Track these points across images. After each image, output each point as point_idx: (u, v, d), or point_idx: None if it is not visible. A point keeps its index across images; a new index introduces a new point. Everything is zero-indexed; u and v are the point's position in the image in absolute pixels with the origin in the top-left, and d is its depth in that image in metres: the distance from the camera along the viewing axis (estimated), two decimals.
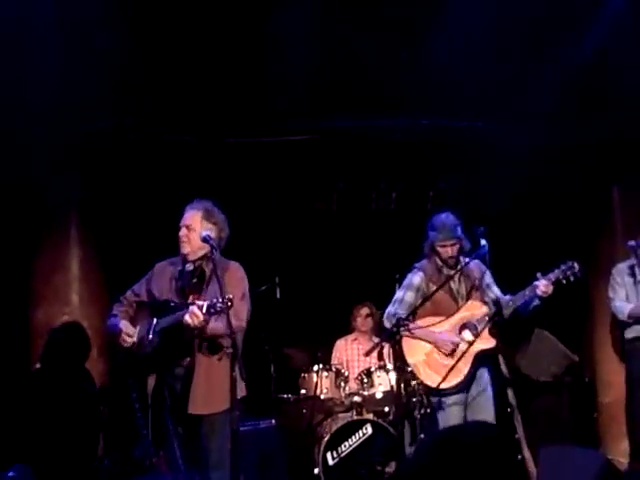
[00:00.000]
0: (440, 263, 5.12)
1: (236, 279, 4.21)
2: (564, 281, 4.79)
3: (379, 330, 6.50)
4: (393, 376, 5.92)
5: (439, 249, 5.08)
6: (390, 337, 4.75)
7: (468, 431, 1.91)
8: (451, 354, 4.94)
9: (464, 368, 4.92)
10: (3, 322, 6.12)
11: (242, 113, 6.46)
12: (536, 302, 4.89)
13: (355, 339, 6.83)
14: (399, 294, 5.21)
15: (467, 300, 5.07)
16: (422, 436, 5.92)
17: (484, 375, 5.09)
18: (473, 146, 6.84)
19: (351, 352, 6.76)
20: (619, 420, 6.62)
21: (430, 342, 5.01)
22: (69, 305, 6.15)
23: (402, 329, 4.83)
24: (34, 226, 6.30)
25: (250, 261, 4.45)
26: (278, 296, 6.37)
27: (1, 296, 6.12)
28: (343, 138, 6.75)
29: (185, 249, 4.25)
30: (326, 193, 7.24)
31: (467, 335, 4.97)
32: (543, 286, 4.77)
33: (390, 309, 5.18)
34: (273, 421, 5.93)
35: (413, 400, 6.01)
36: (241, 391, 4.05)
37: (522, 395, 6.15)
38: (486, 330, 4.93)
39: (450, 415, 4.95)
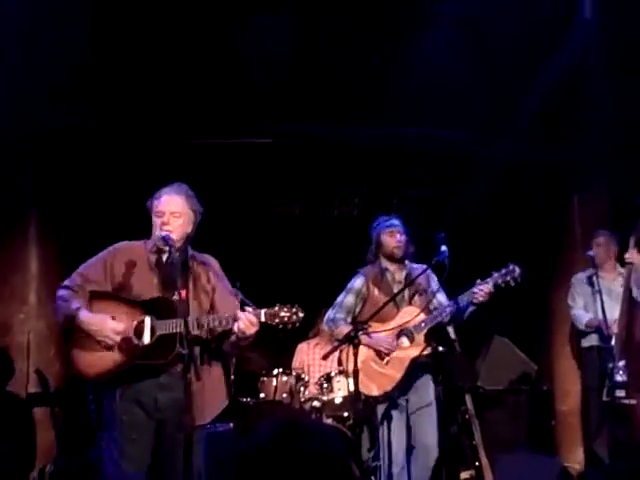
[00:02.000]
0: (384, 265, 5.08)
1: (221, 274, 4.02)
2: (503, 285, 4.69)
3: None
4: (352, 381, 5.92)
5: (384, 238, 5.07)
6: (349, 341, 4.69)
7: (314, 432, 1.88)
8: (386, 361, 4.92)
9: (397, 374, 4.90)
10: None
11: (206, 114, 6.44)
12: (472, 308, 4.81)
13: (317, 344, 6.82)
14: (339, 298, 5.20)
15: (411, 303, 5.02)
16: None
17: (428, 388, 5.04)
18: (439, 154, 6.89)
19: (312, 356, 6.75)
20: (575, 428, 6.70)
21: (369, 346, 4.95)
22: (27, 304, 6.06)
23: (360, 333, 4.77)
24: None
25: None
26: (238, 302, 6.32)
27: None
28: (308, 142, 6.76)
29: (167, 236, 3.81)
30: (289, 197, 7.24)
31: (404, 341, 4.93)
32: (480, 291, 4.67)
33: (329, 313, 5.18)
34: (231, 425, 5.88)
35: (372, 405, 6.02)
36: (222, 402, 3.93)
37: (480, 402, 6.19)
38: (421, 337, 4.90)
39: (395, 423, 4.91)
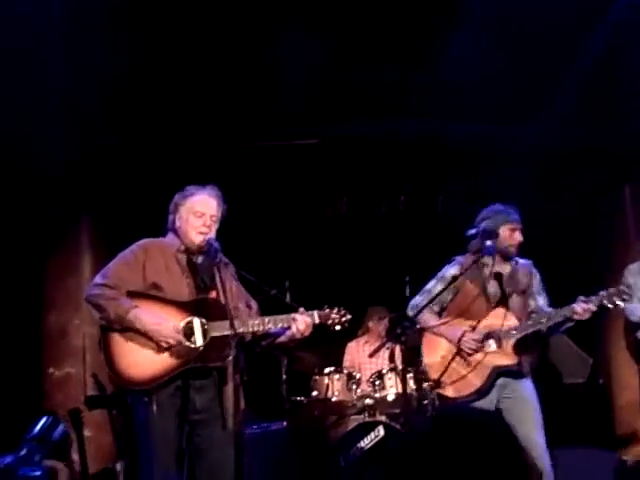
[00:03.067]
0: (485, 258, 4.58)
1: (236, 275, 3.98)
2: (611, 305, 4.35)
3: (389, 332, 6.51)
4: (404, 378, 5.90)
5: (504, 233, 4.56)
6: (396, 338, 4.58)
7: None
8: (468, 362, 4.56)
9: (477, 381, 4.54)
10: (16, 326, 6.17)
11: (251, 118, 6.51)
12: (570, 323, 4.48)
13: (367, 341, 6.83)
14: (429, 284, 4.79)
15: (505, 304, 4.60)
16: None
17: (524, 385, 4.60)
18: (483, 149, 6.84)
19: (363, 354, 6.76)
20: (634, 421, 6.58)
21: (449, 340, 4.63)
22: (81, 309, 6.18)
23: (407, 333, 4.57)
24: (46, 230, 6.36)
25: (260, 265, 4.42)
26: (288, 300, 6.38)
27: (14, 300, 6.17)
28: (351, 142, 6.77)
29: (203, 240, 3.78)
30: (335, 197, 7.26)
31: (491, 345, 4.55)
32: (582, 310, 4.33)
33: (417, 298, 4.80)
34: (285, 423, 5.93)
35: (424, 402, 6.00)
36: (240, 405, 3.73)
37: (537, 396, 6.12)
38: (510, 344, 4.50)
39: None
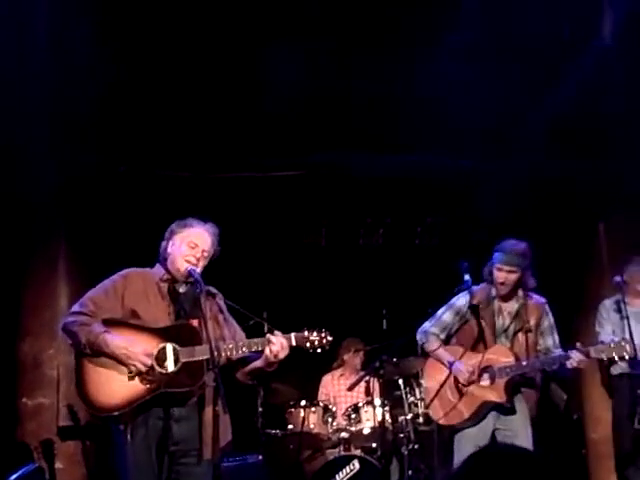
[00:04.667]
0: (493, 292, 4.71)
1: (225, 306, 4.00)
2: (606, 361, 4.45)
3: (365, 365, 6.51)
4: (380, 412, 5.91)
5: (495, 271, 4.66)
6: (374, 372, 4.65)
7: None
8: (462, 393, 4.67)
9: (466, 412, 4.67)
10: None
11: (231, 149, 6.53)
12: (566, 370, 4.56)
13: (342, 374, 6.82)
14: (439, 311, 4.85)
15: (512, 340, 4.67)
16: (410, 472, 5.90)
17: (523, 421, 4.70)
18: (460, 182, 6.91)
19: (338, 387, 6.75)
20: (608, 456, 6.60)
21: (449, 369, 4.73)
22: (56, 339, 6.11)
23: (385, 367, 4.67)
24: (22, 258, 6.29)
25: (238, 296, 4.42)
26: (265, 331, 6.36)
27: None
28: (331, 173, 6.81)
29: (186, 269, 3.79)
30: (314, 228, 7.29)
31: (485, 379, 4.65)
32: (575, 360, 4.39)
33: (426, 324, 4.87)
34: (260, 456, 5.89)
35: (400, 436, 6.00)
36: (226, 436, 3.78)
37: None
38: (502, 382, 4.59)
39: (465, 443, 4.67)
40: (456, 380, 4.72)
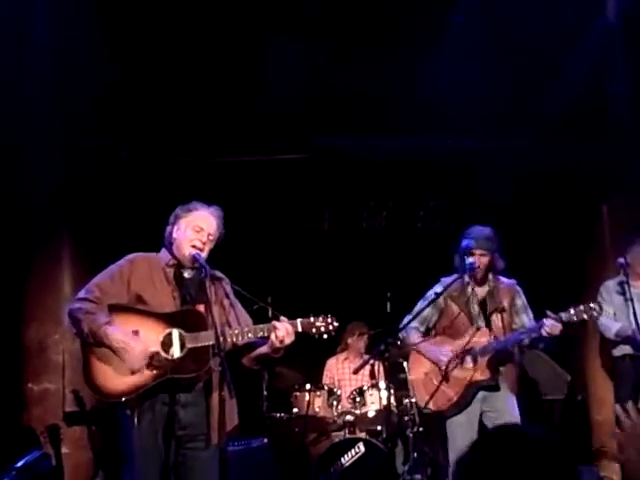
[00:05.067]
0: (466, 278, 4.84)
1: (232, 291, 3.98)
2: (578, 321, 4.47)
3: (370, 349, 6.52)
4: (385, 395, 5.93)
5: (467, 257, 4.78)
6: (379, 355, 4.68)
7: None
8: (446, 378, 4.76)
9: (453, 394, 4.75)
10: None
11: (233, 132, 6.51)
12: (545, 340, 4.59)
13: (346, 358, 6.84)
14: (417, 306, 4.99)
15: (487, 322, 4.81)
16: (415, 455, 5.92)
17: (507, 399, 4.79)
18: (462, 164, 6.89)
19: (342, 371, 6.76)
20: (611, 438, 6.62)
21: (430, 359, 4.87)
22: (60, 324, 6.13)
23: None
24: (26, 245, 6.30)
25: (242, 280, 4.43)
26: (270, 315, 6.37)
27: None
28: (333, 157, 6.80)
29: (190, 254, 3.79)
30: (317, 212, 7.28)
31: (468, 361, 4.77)
32: (548, 326, 4.45)
33: (407, 317, 5.00)
34: (265, 440, 5.91)
35: (405, 419, 6.02)
36: (233, 421, 3.79)
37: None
38: (485, 361, 4.71)
39: (456, 428, 4.77)
40: (440, 368, 4.83)
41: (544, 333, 4.45)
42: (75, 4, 5.65)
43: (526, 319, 4.84)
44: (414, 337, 4.95)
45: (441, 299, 4.86)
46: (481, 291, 4.87)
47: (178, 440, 3.70)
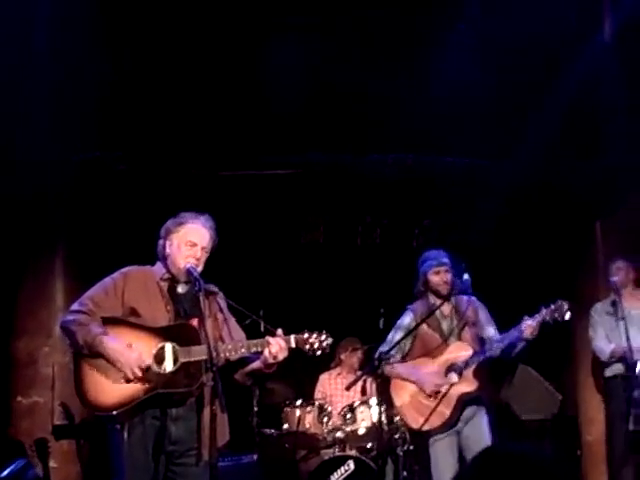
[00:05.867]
0: (432, 300, 5.03)
1: (226, 305, 3.96)
2: (551, 322, 4.63)
3: (363, 365, 6.50)
4: (376, 412, 5.91)
5: (431, 277, 5.01)
6: (372, 371, 4.70)
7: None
8: (434, 395, 4.86)
9: (447, 411, 4.83)
10: None
11: (229, 147, 6.51)
12: (522, 344, 4.76)
13: (339, 373, 6.82)
14: (389, 335, 5.13)
15: (458, 339, 4.97)
16: (405, 473, 5.90)
17: (482, 421, 4.93)
18: (458, 182, 6.91)
19: (335, 386, 6.74)
20: (601, 457, 6.61)
21: (414, 382, 4.96)
22: (51, 337, 6.11)
23: (384, 363, 4.80)
24: (19, 257, 6.28)
25: (236, 293, 4.41)
26: (262, 329, 6.35)
27: None
28: (330, 172, 6.81)
29: (184, 267, 3.77)
30: (313, 226, 7.28)
31: (452, 377, 4.86)
32: (528, 327, 4.60)
33: (381, 349, 5.07)
34: (255, 456, 5.88)
35: (396, 437, 5.99)
36: (224, 437, 3.77)
37: (505, 432, 6.15)
38: (470, 372, 4.83)
39: (438, 450, 4.87)
40: (424, 389, 4.93)
41: (525, 335, 4.61)
42: (77, 12, 5.66)
43: (492, 331, 4.98)
44: (391, 365, 5.01)
45: (413, 324, 5.02)
46: (446, 309, 5.05)
47: (168, 455, 3.67)
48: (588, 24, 6.52)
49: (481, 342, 4.95)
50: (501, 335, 4.85)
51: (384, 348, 5.01)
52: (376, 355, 4.96)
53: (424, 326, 4.98)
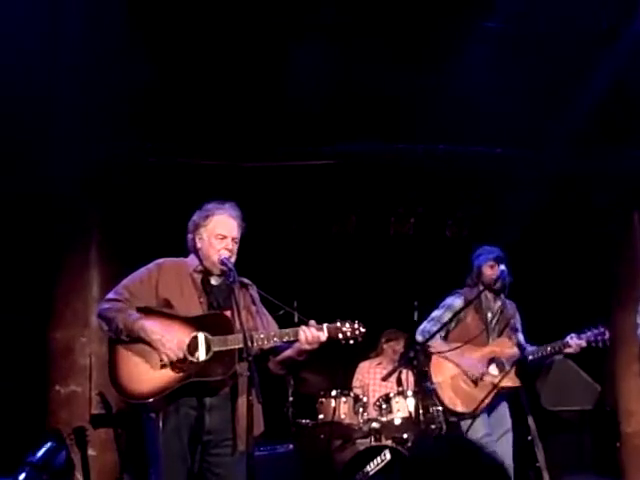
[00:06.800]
0: (483, 291, 5.15)
1: (259, 297, 3.97)
2: (594, 345, 4.95)
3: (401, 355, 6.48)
4: (412, 402, 5.89)
5: (485, 270, 5.16)
6: (408, 362, 4.74)
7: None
8: (475, 383, 5.06)
9: (482, 398, 5.00)
10: (23, 343, 6.15)
11: (261, 138, 6.52)
12: (556, 356, 5.13)
13: (379, 363, 6.78)
14: (437, 312, 5.27)
15: (500, 335, 5.19)
16: None
17: (506, 414, 5.22)
18: (491, 172, 6.85)
19: (373, 376, 6.72)
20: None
21: (458, 366, 5.12)
22: (88, 327, 6.17)
23: (419, 357, 4.84)
24: (55, 248, 6.35)
25: (268, 285, 4.40)
26: (296, 320, 6.35)
27: (22, 317, 6.16)
28: (362, 163, 6.78)
29: (219, 259, 3.77)
30: (344, 217, 7.26)
31: (493, 369, 5.10)
32: (575, 346, 4.94)
33: (425, 325, 5.24)
34: (291, 446, 5.89)
35: (432, 427, 5.96)
36: (259, 427, 3.75)
37: (543, 423, 6.09)
38: (513, 369, 5.05)
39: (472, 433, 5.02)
40: (469, 374, 5.12)
41: (568, 351, 4.97)
42: (109, 6, 5.69)
43: (522, 337, 5.22)
44: (440, 345, 5.17)
45: (461, 308, 5.15)
46: (495, 306, 5.21)
47: (204, 445, 3.68)
48: (622, 12, 6.40)
49: (517, 346, 5.15)
50: (540, 347, 5.08)
51: (430, 325, 5.19)
52: (420, 330, 5.18)
53: (471, 313, 5.15)
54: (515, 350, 5.07)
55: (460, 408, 5.07)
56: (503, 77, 6.21)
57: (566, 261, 7.10)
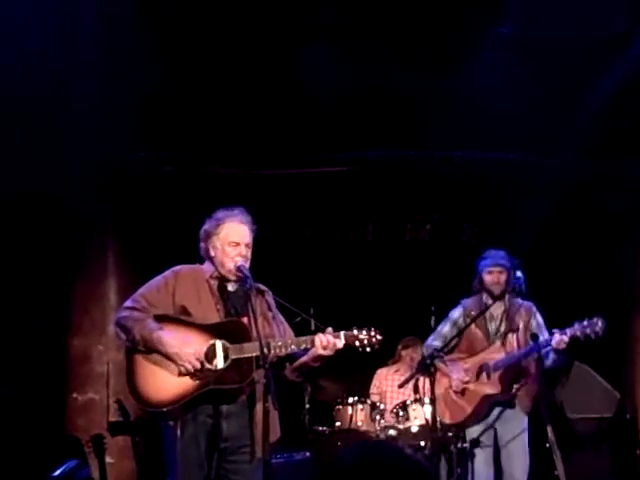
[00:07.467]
0: (485, 299, 5.14)
1: (274, 303, 3.97)
2: (583, 338, 4.66)
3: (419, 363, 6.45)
4: (429, 409, 5.86)
5: (485, 276, 5.12)
6: (425, 369, 4.73)
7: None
8: (462, 393, 5.08)
9: (468, 408, 5.06)
10: (40, 351, 6.18)
11: (276, 145, 6.53)
12: (554, 356, 4.87)
13: (397, 370, 6.77)
14: (439, 326, 5.34)
15: (502, 342, 5.11)
16: (459, 470, 5.83)
17: (519, 419, 5.09)
18: (506, 179, 6.84)
19: (391, 383, 6.70)
20: None
21: (448, 377, 5.16)
22: (105, 335, 6.19)
23: (436, 360, 4.83)
24: (72, 255, 6.38)
25: (285, 293, 4.40)
26: (312, 328, 6.34)
27: (39, 325, 6.18)
28: (378, 169, 6.79)
29: (235, 266, 3.77)
30: (361, 224, 7.26)
31: (483, 377, 5.09)
32: (555, 342, 4.71)
33: (428, 340, 5.34)
34: (308, 453, 5.87)
35: (449, 434, 5.93)
36: (276, 433, 3.75)
37: (562, 431, 6.04)
38: (497, 376, 5.00)
39: (476, 456, 5.10)
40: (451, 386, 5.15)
41: (554, 345, 4.71)
42: (125, 11, 5.73)
43: (541, 338, 4.97)
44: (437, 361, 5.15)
45: (461, 319, 5.19)
46: (498, 310, 5.14)
47: (221, 452, 3.69)
48: (634, 19, 6.38)
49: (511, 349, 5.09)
50: (534, 343, 4.89)
51: (434, 340, 5.26)
52: (425, 345, 5.27)
53: (473, 324, 5.11)
54: (502, 355, 5.01)
55: (447, 420, 5.14)
56: (518, 83, 6.22)
57: (581, 267, 7.05)
